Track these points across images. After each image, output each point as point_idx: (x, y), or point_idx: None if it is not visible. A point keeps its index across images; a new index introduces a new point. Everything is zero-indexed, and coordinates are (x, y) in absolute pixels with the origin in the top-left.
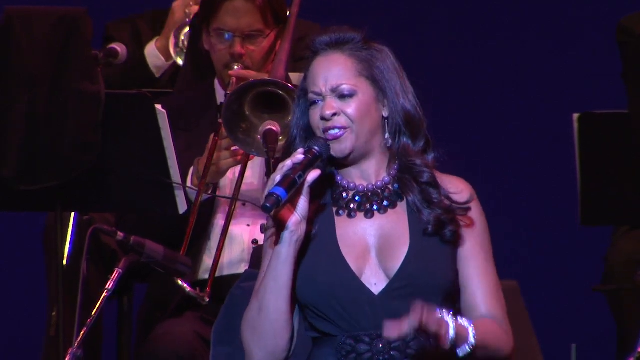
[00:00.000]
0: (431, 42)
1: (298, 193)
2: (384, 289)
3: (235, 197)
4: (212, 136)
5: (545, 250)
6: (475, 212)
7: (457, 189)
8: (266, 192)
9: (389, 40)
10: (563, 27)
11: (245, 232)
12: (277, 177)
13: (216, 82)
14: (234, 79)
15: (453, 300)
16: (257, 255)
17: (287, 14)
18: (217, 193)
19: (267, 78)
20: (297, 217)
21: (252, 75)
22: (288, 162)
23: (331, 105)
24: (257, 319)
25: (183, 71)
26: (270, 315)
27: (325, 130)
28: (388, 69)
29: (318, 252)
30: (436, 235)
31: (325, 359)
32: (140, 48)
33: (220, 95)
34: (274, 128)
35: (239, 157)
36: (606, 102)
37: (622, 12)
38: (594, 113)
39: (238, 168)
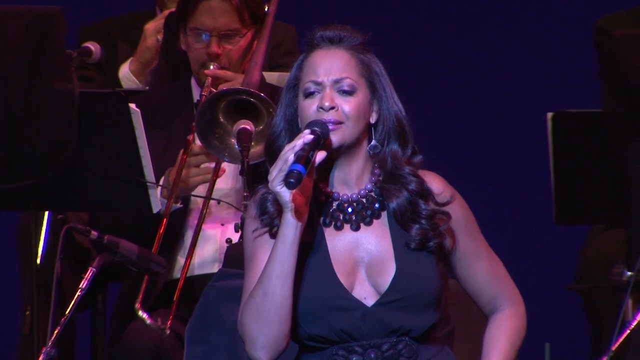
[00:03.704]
0: (408, 41)
1: (307, 174)
2: (376, 302)
3: (208, 197)
4: (181, 152)
5: (519, 248)
6: (457, 206)
7: (438, 189)
8: (282, 176)
9: (369, 38)
10: (542, 26)
11: (218, 231)
12: (290, 156)
13: (192, 80)
14: (210, 79)
15: (441, 301)
16: (230, 253)
17: (266, 9)
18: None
19: (240, 87)
20: (303, 201)
21: (228, 75)
22: (299, 142)
23: (331, 97)
24: (262, 305)
25: (157, 70)
26: (276, 301)
27: None
28: (383, 75)
29: (310, 266)
30: (421, 250)
31: None
32: (114, 53)
33: (196, 94)
34: (248, 127)
35: (208, 175)
36: (584, 101)
37: (599, 12)
38: (567, 112)
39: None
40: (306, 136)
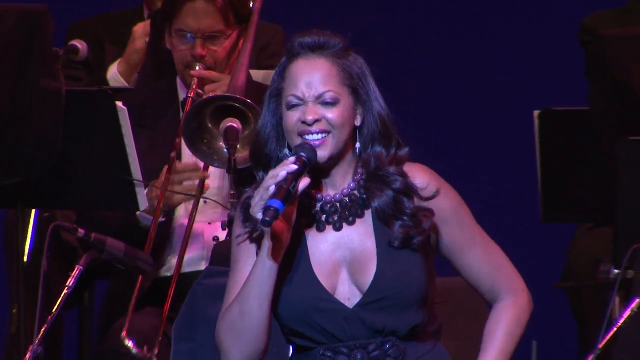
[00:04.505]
0: (407, 40)
1: (290, 202)
2: (358, 302)
3: (198, 196)
4: (164, 170)
5: (506, 246)
6: (444, 198)
7: (423, 183)
8: (262, 204)
9: (353, 35)
10: (542, 26)
11: (205, 229)
12: (272, 186)
13: (178, 79)
14: (196, 79)
15: (427, 299)
16: (217, 251)
17: (251, 5)
18: None
19: (226, 94)
20: (285, 226)
21: (214, 75)
22: (282, 173)
23: (314, 110)
24: (238, 323)
25: (143, 68)
26: (252, 320)
27: (303, 133)
28: (365, 78)
29: (291, 270)
30: (404, 248)
31: None
32: (102, 53)
33: (182, 93)
34: (234, 125)
35: (192, 192)
36: (572, 100)
37: (586, 10)
38: (553, 110)
39: (201, 165)
40: (290, 165)
